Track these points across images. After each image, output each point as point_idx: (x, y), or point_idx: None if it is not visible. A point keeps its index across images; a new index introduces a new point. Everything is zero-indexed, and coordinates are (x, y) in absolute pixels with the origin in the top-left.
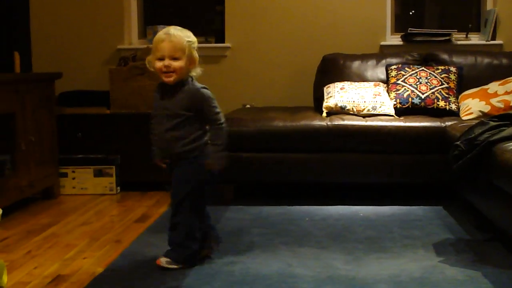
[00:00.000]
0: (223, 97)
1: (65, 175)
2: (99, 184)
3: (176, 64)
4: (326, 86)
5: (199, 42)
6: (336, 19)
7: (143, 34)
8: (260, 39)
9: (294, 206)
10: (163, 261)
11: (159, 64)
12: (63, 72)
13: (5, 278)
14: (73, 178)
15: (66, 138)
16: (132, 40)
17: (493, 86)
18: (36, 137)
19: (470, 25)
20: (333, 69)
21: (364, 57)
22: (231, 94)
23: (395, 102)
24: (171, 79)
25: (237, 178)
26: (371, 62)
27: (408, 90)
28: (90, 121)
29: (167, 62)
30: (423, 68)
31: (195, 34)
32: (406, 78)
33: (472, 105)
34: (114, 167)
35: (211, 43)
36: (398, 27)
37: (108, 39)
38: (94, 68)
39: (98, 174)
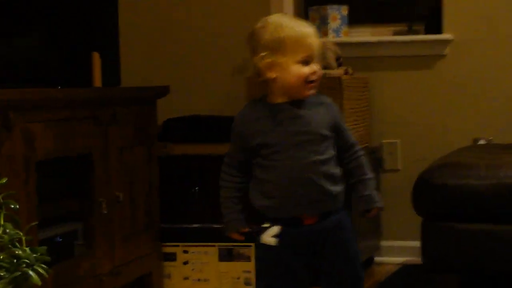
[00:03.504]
0: (440, 126)
1: (172, 257)
2: (228, 274)
3: (320, 69)
4: None
5: (399, 32)
6: None
7: None
8: (504, 27)
9: None
10: None
11: (303, 69)
12: (171, 86)
13: None
14: (185, 263)
15: (175, 195)
16: None
17: None
18: (125, 193)
19: None
20: None
21: None
22: (453, 122)
23: None
24: (314, 91)
25: (463, 265)
26: None
27: None
28: (213, 168)
29: (316, 66)
30: None
31: (391, 19)
32: None
33: None
34: (253, 244)
35: (418, 33)
36: None
37: (243, 33)
38: (220, 79)
39: (227, 256)
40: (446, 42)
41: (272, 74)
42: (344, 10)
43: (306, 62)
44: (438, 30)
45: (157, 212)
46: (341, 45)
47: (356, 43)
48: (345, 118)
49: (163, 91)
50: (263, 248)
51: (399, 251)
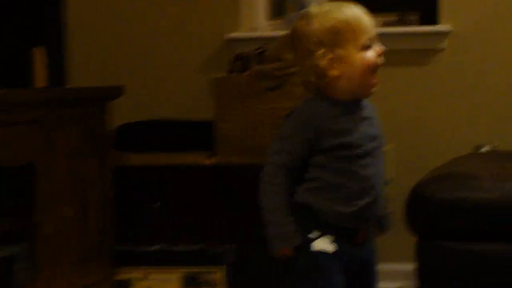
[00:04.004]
0: (437, 131)
1: (127, 284)
2: None
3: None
4: None
5: (390, 22)
6: None
7: (276, 13)
8: (509, 17)
9: None
10: None
11: (367, 56)
12: (126, 86)
13: None
14: None
15: (132, 211)
16: (258, 22)
17: None
18: (74, 209)
19: None
20: None
21: None
22: (452, 126)
23: None
24: (374, 90)
25: None
26: None
27: None
28: (176, 180)
29: (380, 46)
30: None
31: (381, 7)
32: None
33: None
34: (224, 267)
35: (413, 25)
36: None
37: (210, 23)
38: (183, 78)
39: (191, 283)
40: (443, 34)
41: (335, 72)
42: None
43: (367, 46)
44: (435, 21)
45: (113, 230)
46: None
47: None
48: None
49: (117, 92)
50: (313, 256)
51: (392, 274)
